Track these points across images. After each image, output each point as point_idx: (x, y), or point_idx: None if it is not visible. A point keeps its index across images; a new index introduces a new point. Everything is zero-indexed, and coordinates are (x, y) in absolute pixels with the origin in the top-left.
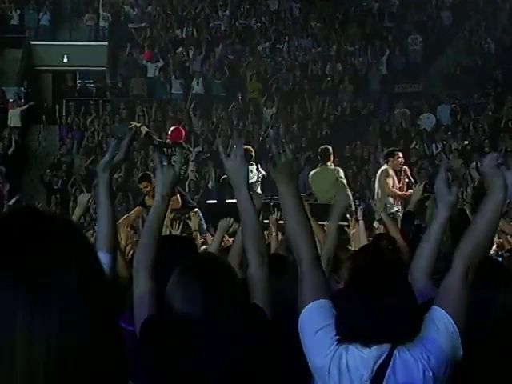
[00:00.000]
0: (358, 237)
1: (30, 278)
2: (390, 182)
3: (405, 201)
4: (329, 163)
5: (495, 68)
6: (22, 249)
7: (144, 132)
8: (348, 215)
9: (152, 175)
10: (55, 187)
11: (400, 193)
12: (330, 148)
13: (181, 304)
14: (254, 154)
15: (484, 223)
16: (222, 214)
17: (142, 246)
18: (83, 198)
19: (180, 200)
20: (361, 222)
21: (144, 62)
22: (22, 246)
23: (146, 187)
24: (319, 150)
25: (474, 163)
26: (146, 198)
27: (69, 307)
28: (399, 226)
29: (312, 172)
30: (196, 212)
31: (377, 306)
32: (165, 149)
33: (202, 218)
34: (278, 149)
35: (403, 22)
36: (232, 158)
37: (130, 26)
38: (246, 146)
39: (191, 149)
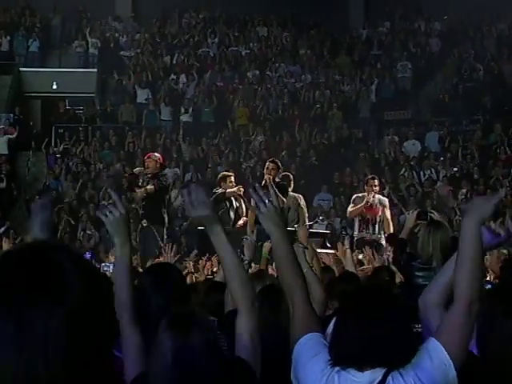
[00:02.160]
0: (346, 265)
1: (18, 312)
2: (349, 207)
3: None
4: (289, 190)
5: (483, 95)
6: (18, 285)
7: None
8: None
9: None
10: None
11: (358, 207)
12: (291, 175)
13: (155, 365)
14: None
15: (466, 257)
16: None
17: (119, 303)
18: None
19: None
20: (348, 250)
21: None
22: (18, 282)
23: None
24: (280, 176)
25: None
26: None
27: (53, 340)
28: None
29: None
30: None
31: (370, 330)
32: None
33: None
34: (259, 199)
35: (392, 50)
36: (195, 202)
37: (120, 53)
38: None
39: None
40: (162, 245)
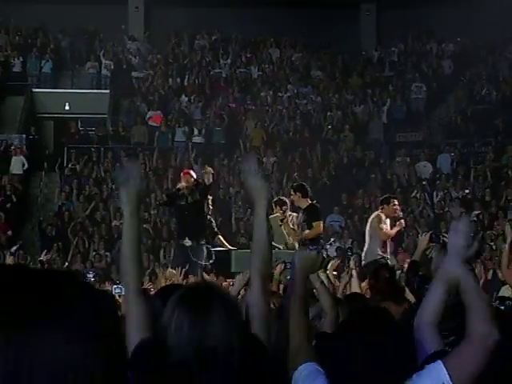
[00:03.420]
0: (351, 286)
1: (20, 338)
2: (383, 227)
3: (394, 247)
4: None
5: (496, 117)
6: (21, 310)
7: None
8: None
9: None
10: (55, 235)
11: (392, 231)
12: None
13: (173, 333)
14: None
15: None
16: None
17: (124, 269)
18: None
19: None
20: (353, 271)
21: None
22: (21, 308)
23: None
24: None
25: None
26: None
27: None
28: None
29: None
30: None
31: (373, 351)
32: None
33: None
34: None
35: (404, 71)
36: (255, 176)
37: (132, 74)
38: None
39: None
40: (203, 263)
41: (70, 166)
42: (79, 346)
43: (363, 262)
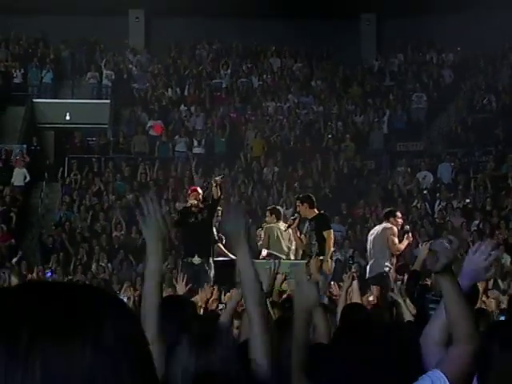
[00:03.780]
0: (351, 295)
1: (22, 353)
2: (396, 240)
3: (396, 259)
4: (267, 219)
5: (496, 126)
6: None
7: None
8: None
9: None
10: (56, 245)
11: (403, 246)
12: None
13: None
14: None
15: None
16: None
17: (145, 312)
18: None
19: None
20: (354, 281)
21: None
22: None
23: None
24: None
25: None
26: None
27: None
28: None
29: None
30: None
31: (370, 361)
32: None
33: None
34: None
35: (404, 81)
36: (231, 217)
37: (132, 84)
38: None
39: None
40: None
41: (71, 176)
42: (107, 355)
43: (368, 275)
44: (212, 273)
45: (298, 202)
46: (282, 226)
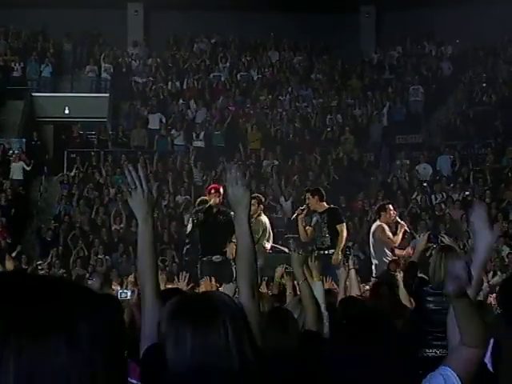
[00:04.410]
0: (350, 286)
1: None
2: (389, 235)
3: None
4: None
5: (495, 118)
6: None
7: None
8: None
9: None
10: (55, 239)
11: (403, 253)
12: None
13: (172, 346)
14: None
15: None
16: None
17: (141, 271)
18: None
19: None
20: (352, 270)
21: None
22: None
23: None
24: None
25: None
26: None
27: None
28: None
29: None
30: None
31: (369, 356)
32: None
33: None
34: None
35: (403, 74)
36: (236, 186)
37: (132, 78)
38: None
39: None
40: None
41: (69, 170)
42: (81, 351)
43: (374, 274)
44: (234, 270)
45: (308, 195)
46: (264, 217)
